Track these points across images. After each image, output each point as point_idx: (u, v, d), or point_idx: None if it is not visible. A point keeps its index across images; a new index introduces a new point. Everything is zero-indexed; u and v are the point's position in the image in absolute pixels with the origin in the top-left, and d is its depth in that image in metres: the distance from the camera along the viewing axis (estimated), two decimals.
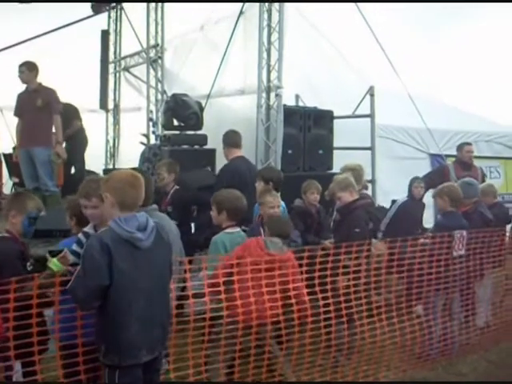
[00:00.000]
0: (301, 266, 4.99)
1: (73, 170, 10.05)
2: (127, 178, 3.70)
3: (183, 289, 4.62)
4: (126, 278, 3.53)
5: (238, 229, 5.27)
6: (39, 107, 7.73)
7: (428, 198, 8.20)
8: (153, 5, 11.79)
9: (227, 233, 5.18)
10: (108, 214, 3.74)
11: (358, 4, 9.57)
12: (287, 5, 8.28)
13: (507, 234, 7.06)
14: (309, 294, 4.97)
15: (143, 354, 3.61)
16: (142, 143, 9.87)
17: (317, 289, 5.02)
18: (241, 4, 9.18)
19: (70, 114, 9.85)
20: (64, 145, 8.32)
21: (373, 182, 8.60)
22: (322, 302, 5.01)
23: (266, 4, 8.13)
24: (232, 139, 6.98)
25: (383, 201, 8.27)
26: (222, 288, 4.51)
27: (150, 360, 3.67)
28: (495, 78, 11.34)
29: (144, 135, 10.52)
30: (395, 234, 6.45)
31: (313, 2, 9.65)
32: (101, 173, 12.80)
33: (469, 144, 9.00)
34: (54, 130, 7.95)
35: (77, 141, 9.93)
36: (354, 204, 5.84)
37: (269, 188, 6.07)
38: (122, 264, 3.51)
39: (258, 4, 8.20)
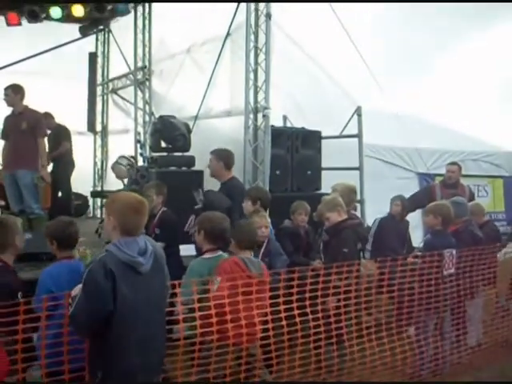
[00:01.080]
0: (291, 287, 4.93)
1: (60, 193, 9.99)
2: (132, 203, 3.62)
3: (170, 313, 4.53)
4: (128, 303, 3.44)
5: (218, 253, 5.03)
6: (24, 130, 7.68)
7: (416, 218, 8.21)
8: (140, 27, 11.85)
9: (205, 258, 5.00)
10: (108, 235, 3.73)
11: (344, 24, 9.63)
12: (274, 27, 8.32)
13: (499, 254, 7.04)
14: (299, 315, 4.89)
15: (141, 380, 3.54)
16: (129, 164, 9.69)
17: (308, 310, 4.96)
18: (227, 26, 9.19)
19: (61, 134, 9.85)
20: (51, 166, 8.25)
21: (361, 202, 8.57)
22: (312, 324, 4.96)
23: (253, 26, 8.18)
24: (231, 160, 6.77)
25: (372, 221, 8.23)
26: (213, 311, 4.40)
27: None
28: (482, 98, 11.41)
29: (132, 157, 10.47)
30: (381, 252, 6.43)
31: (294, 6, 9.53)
32: (88, 195, 12.85)
33: (452, 164, 8.88)
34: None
35: (63, 163, 9.89)
36: (342, 224, 5.81)
37: (258, 209, 6.03)
38: (125, 289, 3.43)
39: (244, 26, 8.24)
